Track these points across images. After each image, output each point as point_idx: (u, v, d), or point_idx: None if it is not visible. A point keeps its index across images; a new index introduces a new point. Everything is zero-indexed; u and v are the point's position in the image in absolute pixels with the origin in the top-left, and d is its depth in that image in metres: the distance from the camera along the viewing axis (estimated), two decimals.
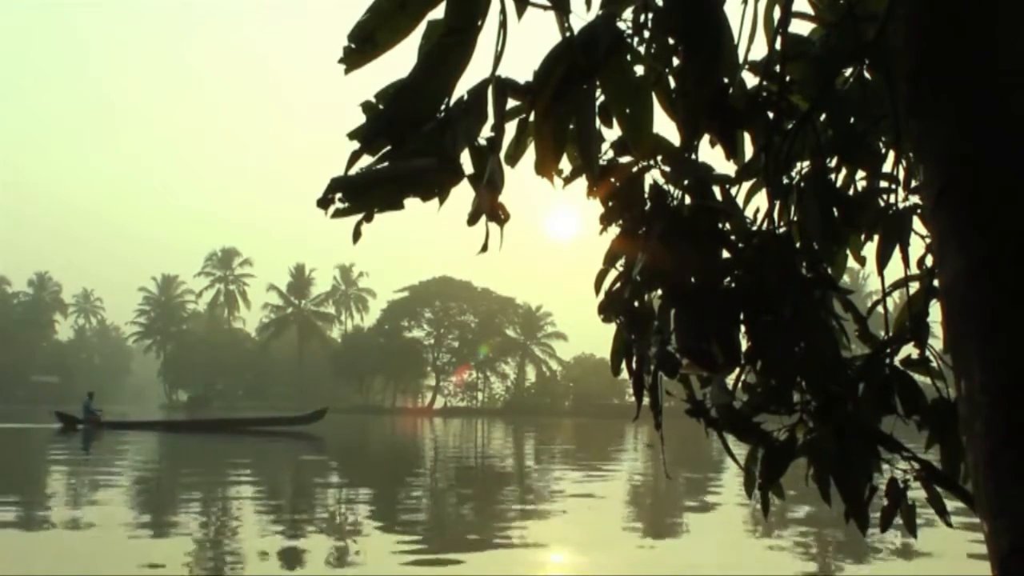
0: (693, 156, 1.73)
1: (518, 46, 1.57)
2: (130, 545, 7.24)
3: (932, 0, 1.17)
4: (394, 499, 11.21)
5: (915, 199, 1.86)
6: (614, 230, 1.77)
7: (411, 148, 1.40)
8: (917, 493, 1.71)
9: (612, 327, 1.81)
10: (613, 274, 1.80)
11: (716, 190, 1.75)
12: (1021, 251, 1.03)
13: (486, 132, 1.43)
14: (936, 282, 1.62)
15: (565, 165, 1.66)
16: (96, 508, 9.57)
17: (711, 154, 1.76)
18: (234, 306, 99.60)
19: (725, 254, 1.69)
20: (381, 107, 1.40)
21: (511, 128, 1.60)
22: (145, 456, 19.22)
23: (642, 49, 1.64)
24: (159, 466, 16.54)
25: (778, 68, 1.80)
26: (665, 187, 1.74)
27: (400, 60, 1.44)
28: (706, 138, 1.75)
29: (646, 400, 1.79)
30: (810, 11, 1.90)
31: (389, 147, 1.41)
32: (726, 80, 1.66)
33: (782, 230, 1.81)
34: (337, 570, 6.45)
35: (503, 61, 1.40)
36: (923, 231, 1.83)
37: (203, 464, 16.70)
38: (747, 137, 1.86)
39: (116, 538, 7.52)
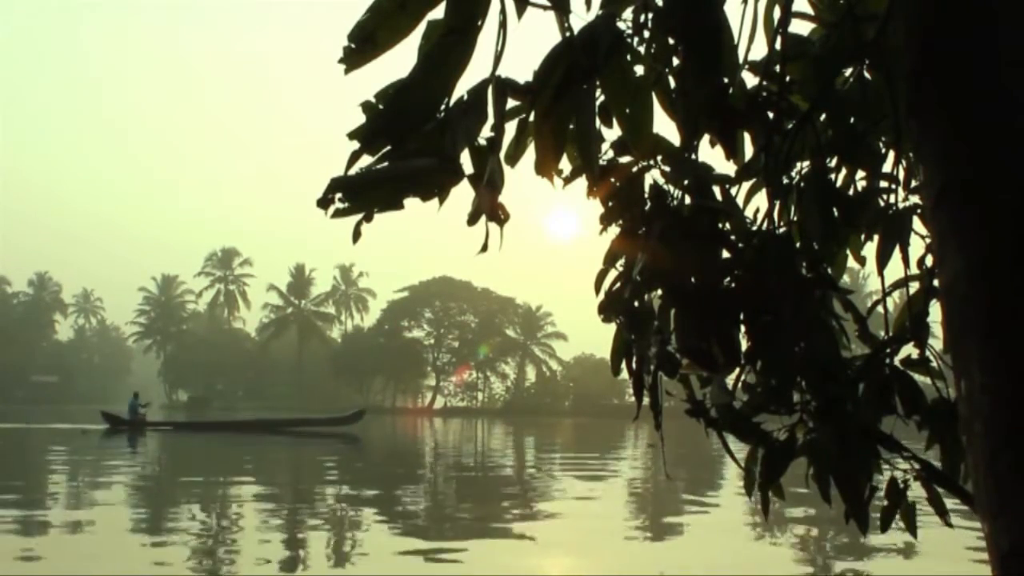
0: (693, 156, 1.73)
1: (518, 46, 1.57)
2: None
3: (932, 0, 1.17)
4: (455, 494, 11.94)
5: (915, 199, 1.86)
6: (614, 230, 1.77)
7: (411, 148, 1.40)
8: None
9: (612, 327, 1.81)
10: (613, 274, 1.80)
11: (716, 190, 1.75)
12: (1021, 251, 1.03)
13: (486, 132, 1.43)
14: (936, 282, 1.62)
15: (565, 165, 1.66)
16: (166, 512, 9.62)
17: (711, 154, 1.76)
18: (234, 306, 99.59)
19: (725, 254, 1.69)
20: (381, 107, 1.40)
21: (511, 128, 1.60)
22: (196, 456, 19.54)
23: (642, 49, 1.64)
24: (226, 470, 16.51)
25: (778, 68, 1.80)
26: (665, 187, 1.74)
27: (400, 60, 1.44)
28: (706, 138, 1.75)
29: (646, 400, 1.79)
30: (810, 11, 1.90)
31: (389, 147, 1.41)
32: (726, 80, 1.66)
33: (782, 230, 1.81)
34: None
35: (503, 61, 1.40)
36: (923, 231, 1.83)
37: (264, 465, 17.05)
38: (747, 137, 1.86)
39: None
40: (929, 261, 1.83)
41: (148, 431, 29.18)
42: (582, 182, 1.70)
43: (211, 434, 28.89)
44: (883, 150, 1.91)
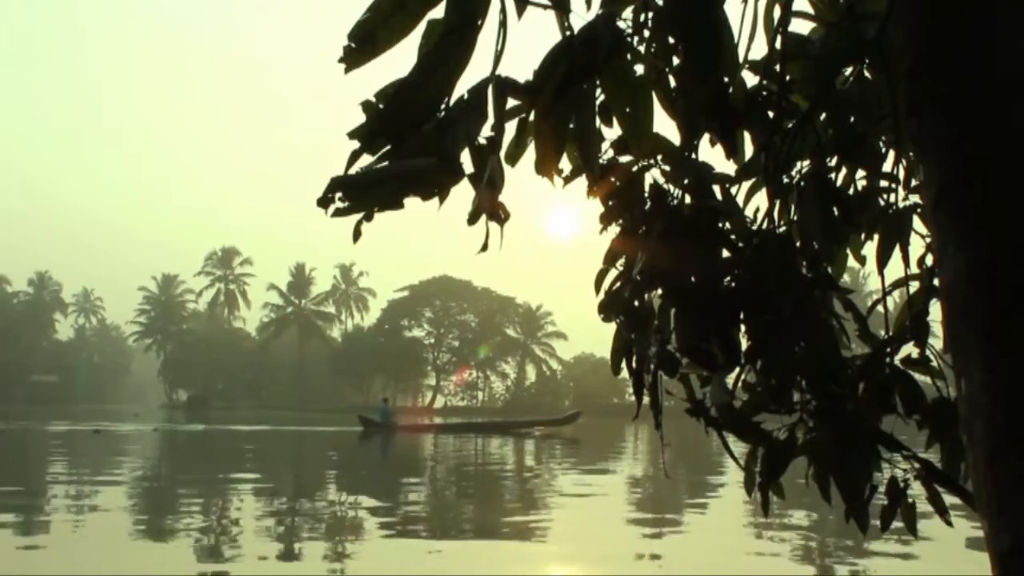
0: (693, 155, 1.73)
1: (518, 46, 1.57)
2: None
3: (932, 0, 1.17)
4: None
5: (915, 199, 1.86)
6: (614, 230, 1.77)
7: (411, 148, 1.40)
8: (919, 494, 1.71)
9: (612, 326, 1.81)
10: (613, 273, 1.80)
11: (716, 189, 1.75)
12: (1021, 251, 1.03)
13: (486, 131, 1.43)
14: (936, 282, 1.62)
15: (565, 165, 1.66)
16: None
17: (711, 154, 1.76)
18: (234, 305, 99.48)
19: (725, 254, 1.69)
20: (381, 106, 1.40)
21: (511, 127, 1.60)
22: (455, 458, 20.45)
23: (642, 48, 1.64)
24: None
25: (778, 67, 1.80)
26: (665, 186, 1.74)
27: (400, 60, 1.44)
28: (706, 138, 1.75)
29: (646, 399, 1.79)
30: (810, 10, 1.90)
31: (389, 146, 1.41)
32: (726, 79, 1.66)
33: (782, 230, 1.81)
34: None
35: (503, 60, 1.40)
36: (923, 231, 1.83)
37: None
38: (747, 136, 1.85)
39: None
40: (929, 260, 1.83)
41: (396, 435, 30.86)
42: (582, 182, 1.70)
43: (450, 435, 30.84)
44: (883, 149, 1.91)
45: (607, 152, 1.73)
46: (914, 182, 1.86)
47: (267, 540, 7.63)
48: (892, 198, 1.88)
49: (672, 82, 1.69)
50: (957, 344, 1.08)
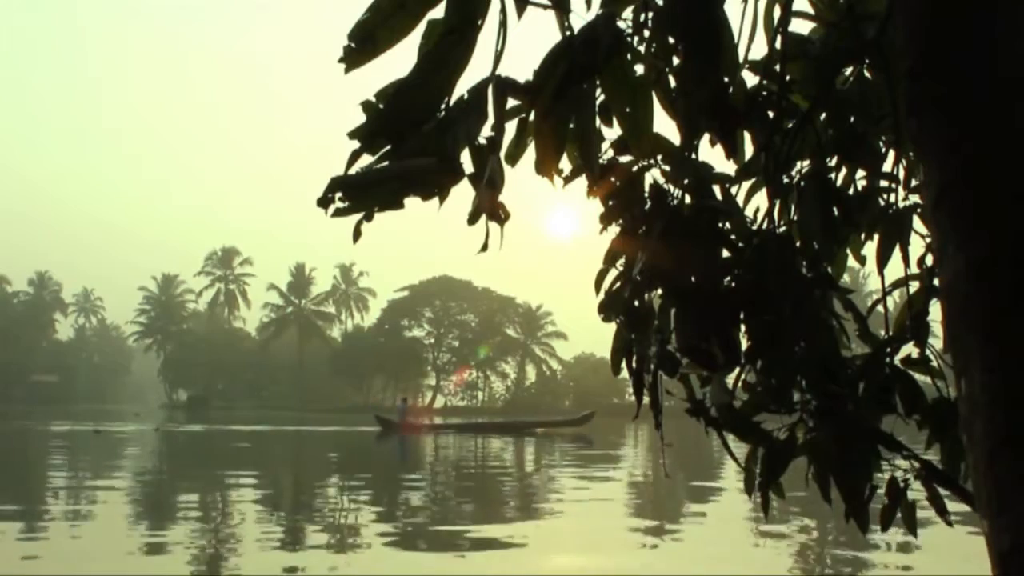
0: (693, 155, 1.73)
1: (518, 46, 1.57)
2: None
3: (932, 0, 1.17)
4: None
5: (915, 198, 1.86)
6: (614, 230, 1.77)
7: (411, 148, 1.40)
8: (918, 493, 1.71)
9: (612, 326, 1.81)
10: (613, 273, 1.80)
11: (716, 189, 1.75)
12: (1021, 251, 1.03)
13: (486, 131, 1.43)
14: (936, 281, 1.62)
15: (565, 165, 1.66)
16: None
17: (711, 154, 1.76)
18: (234, 305, 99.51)
19: (725, 254, 1.69)
20: (381, 106, 1.40)
21: (511, 127, 1.60)
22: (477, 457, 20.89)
23: (642, 48, 1.64)
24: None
25: (778, 67, 1.80)
26: (665, 186, 1.74)
27: (400, 60, 1.44)
28: (706, 138, 1.75)
29: (646, 399, 1.79)
30: (810, 10, 1.90)
31: (389, 146, 1.41)
32: (726, 79, 1.66)
33: (782, 230, 1.81)
34: None
35: (503, 61, 1.40)
36: (923, 231, 1.83)
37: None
38: (747, 136, 1.85)
39: None
40: (929, 260, 1.83)
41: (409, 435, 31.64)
42: (582, 182, 1.70)
43: (464, 435, 31.36)
44: (883, 149, 1.91)
45: (607, 152, 1.73)
46: (914, 182, 1.86)
47: (316, 546, 7.63)
48: (892, 198, 1.88)
49: (672, 82, 1.69)
50: (957, 344, 1.08)
